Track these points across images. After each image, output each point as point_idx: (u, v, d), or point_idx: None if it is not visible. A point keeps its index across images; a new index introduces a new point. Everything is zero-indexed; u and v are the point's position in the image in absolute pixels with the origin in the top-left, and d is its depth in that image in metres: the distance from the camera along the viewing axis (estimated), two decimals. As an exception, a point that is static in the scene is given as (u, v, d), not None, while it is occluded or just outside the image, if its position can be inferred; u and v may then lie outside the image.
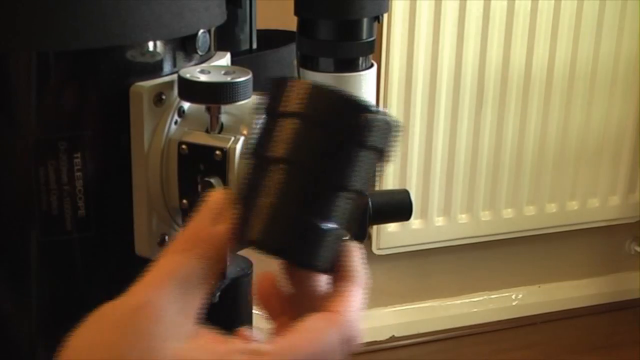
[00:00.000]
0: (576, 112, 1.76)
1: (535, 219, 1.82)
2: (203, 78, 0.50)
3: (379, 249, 1.73)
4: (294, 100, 0.38)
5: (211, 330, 0.37)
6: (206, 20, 0.55)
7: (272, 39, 0.72)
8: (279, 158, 0.38)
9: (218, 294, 0.50)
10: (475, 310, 1.91)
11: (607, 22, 1.72)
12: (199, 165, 0.51)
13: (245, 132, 0.51)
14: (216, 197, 0.39)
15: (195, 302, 0.37)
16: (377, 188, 0.49)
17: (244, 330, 0.40)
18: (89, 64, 0.50)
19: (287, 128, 0.38)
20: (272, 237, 0.38)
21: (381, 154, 0.39)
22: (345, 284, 0.40)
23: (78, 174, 0.51)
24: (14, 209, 0.51)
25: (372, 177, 0.39)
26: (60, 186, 0.50)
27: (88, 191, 0.51)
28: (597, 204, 1.86)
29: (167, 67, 0.53)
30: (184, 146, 0.51)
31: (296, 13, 0.65)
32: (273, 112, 0.39)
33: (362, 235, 0.59)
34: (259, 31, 0.70)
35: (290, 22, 0.66)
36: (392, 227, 1.71)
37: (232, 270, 0.58)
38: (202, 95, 0.50)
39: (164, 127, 0.52)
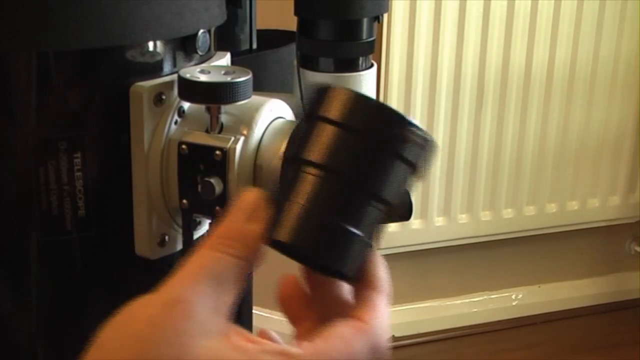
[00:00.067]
0: (576, 112, 1.77)
1: (535, 219, 1.82)
2: (203, 78, 0.50)
3: (379, 248, 1.72)
4: (334, 107, 0.38)
5: (241, 329, 0.37)
6: (206, 20, 0.55)
7: (272, 39, 0.72)
8: (315, 162, 0.38)
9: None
10: (475, 310, 1.91)
11: (607, 22, 1.72)
12: (199, 165, 0.51)
13: (245, 132, 0.51)
14: (249, 196, 0.39)
15: (228, 300, 0.37)
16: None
17: (266, 331, 0.40)
18: (89, 64, 0.50)
19: (326, 133, 0.38)
20: (301, 240, 0.38)
21: (415, 170, 0.39)
22: (371, 292, 0.40)
23: (78, 174, 0.51)
24: (14, 209, 0.51)
25: (403, 191, 0.39)
26: (60, 186, 0.50)
27: (88, 191, 0.51)
28: (597, 204, 1.86)
29: (167, 67, 0.53)
30: (184, 146, 0.51)
31: (296, 13, 0.65)
32: (313, 118, 0.39)
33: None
34: (259, 31, 0.70)
35: (290, 22, 0.66)
36: (391, 227, 1.71)
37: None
38: (202, 95, 0.50)
39: (164, 127, 0.52)
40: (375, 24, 0.65)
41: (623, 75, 1.77)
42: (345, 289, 0.42)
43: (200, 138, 0.51)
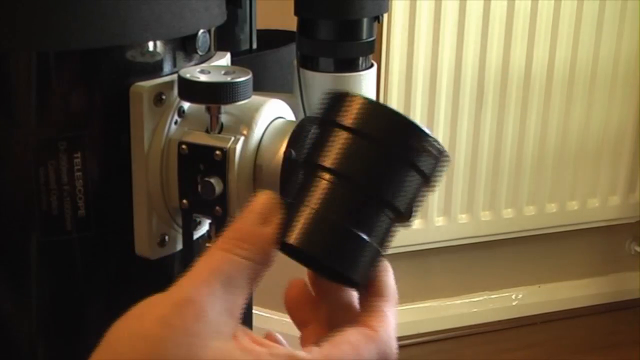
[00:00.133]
0: (576, 113, 1.77)
1: (535, 219, 1.82)
2: (203, 78, 0.50)
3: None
4: (351, 114, 0.38)
5: (249, 331, 0.37)
6: (206, 20, 0.55)
7: (272, 39, 0.72)
8: (330, 168, 0.38)
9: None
10: (475, 310, 1.91)
11: (607, 22, 1.72)
12: (199, 165, 0.51)
13: (245, 132, 0.51)
14: (262, 198, 0.39)
15: (239, 301, 0.36)
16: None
17: (272, 333, 0.40)
18: (89, 64, 0.50)
19: (340, 140, 0.38)
20: (313, 244, 0.37)
21: (427, 180, 0.39)
22: (380, 300, 0.40)
23: (78, 174, 0.51)
24: (14, 209, 0.51)
25: (415, 201, 0.39)
26: (60, 186, 0.50)
27: (88, 191, 0.51)
28: (597, 204, 1.86)
29: (167, 67, 0.53)
30: (184, 146, 0.51)
31: (296, 13, 0.65)
32: (328, 123, 0.39)
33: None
34: (259, 31, 0.70)
35: (290, 22, 0.66)
36: (392, 227, 1.70)
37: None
38: (202, 95, 0.50)
39: (164, 127, 0.52)
40: (375, 24, 0.65)
41: (623, 75, 1.77)
42: (352, 296, 0.41)
43: (200, 138, 0.51)
